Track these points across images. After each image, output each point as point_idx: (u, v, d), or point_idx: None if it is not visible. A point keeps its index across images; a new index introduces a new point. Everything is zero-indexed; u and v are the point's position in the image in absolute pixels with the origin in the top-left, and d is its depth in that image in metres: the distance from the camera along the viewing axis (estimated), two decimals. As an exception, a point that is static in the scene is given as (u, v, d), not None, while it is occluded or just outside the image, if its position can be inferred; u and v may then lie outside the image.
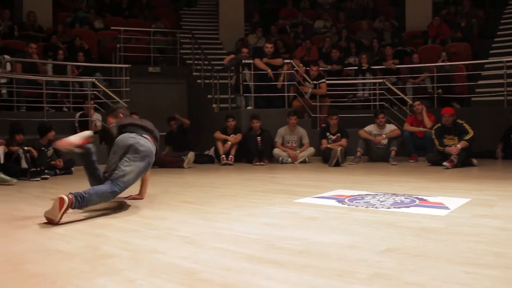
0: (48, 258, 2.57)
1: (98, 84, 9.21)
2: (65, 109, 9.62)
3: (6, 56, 8.71)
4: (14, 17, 11.94)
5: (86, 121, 8.75)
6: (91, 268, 2.36)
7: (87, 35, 11.81)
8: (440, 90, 9.73)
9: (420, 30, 12.87)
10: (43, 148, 7.05)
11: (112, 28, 12.01)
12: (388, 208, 3.86)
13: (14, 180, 6.09)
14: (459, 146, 7.19)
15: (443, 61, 10.07)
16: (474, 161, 7.37)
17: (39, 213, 3.98)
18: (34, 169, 6.58)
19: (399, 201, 4.18)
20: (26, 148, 6.73)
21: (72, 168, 7.39)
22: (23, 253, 2.68)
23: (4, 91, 8.56)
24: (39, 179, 6.49)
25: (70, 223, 3.50)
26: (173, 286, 2.08)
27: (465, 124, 7.43)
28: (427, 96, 9.73)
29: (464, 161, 7.19)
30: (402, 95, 9.40)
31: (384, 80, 9.74)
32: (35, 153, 6.81)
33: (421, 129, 8.36)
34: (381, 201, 4.18)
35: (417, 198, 4.30)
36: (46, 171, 6.74)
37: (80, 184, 6.04)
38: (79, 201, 3.54)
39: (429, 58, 10.70)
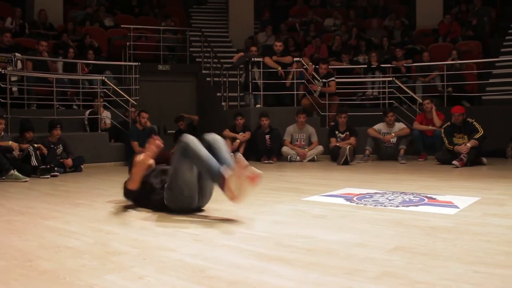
0: (58, 255, 2.59)
1: (108, 82, 9.24)
2: (75, 107, 9.67)
3: (17, 54, 8.76)
4: (26, 15, 12.00)
5: (95, 119, 8.79)
6: (101, 265, 2.37)
7: (97, 33, 11.85)
8: (450, 89, 9.66)
9: (430, 28, 12.79)
10: (52, 146, 7.10)
11: (122, 26, 12.06)
12: (397, 206, 3.85)
13: (27, 178, 6.14)
14: (469, 145, 7.15)
15: (453, 60, 10.00)
16: (484, 160, 7.33)
17: (49, 210, 4.03)
18: (44, 166, 6.61)
19: (408, 199, 4.17)
20: (36, 145, 6.77)
21: (82, 166, 7.43)
22: (34, 250, 2.70)
23: (15, 89, 8.60)
24: (49, 176, 6.51)
25: (80, 220, 3.53)
26: (182, 283, 2.09)
27: (475, 123, 7.40)
28: (437, 95, 9.67)
29: (473, 160, 7.16)
30: (412, 94, 9.35)
31: (394, 78, 9.70)
32: (44, 150, 6.86)
33: (430, 127, 8.31)
34: (390, 200, 4.17)
35: (426, 196, 4.29)
36: (55, 168, 6.77)
37: (90, 181, 6.10)
38: None
39: (440, 56, 10.63)
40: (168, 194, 3.59)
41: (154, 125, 8.75)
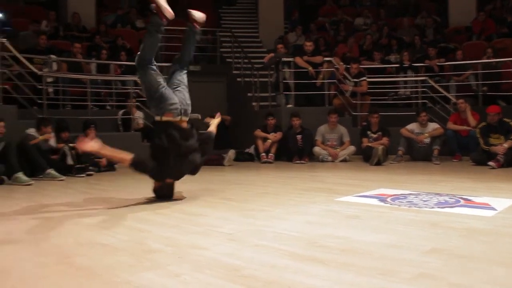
0: (94, 252, 2.63)
1: (140, 82, 9.36)
2: (108, 107, 9.83)
3: (52, 56, 8.97)
4: (60, 18, 12.26)
5: (128, 119, 8.92)
6: (137, 262, 2.41)
7: (129, 35, 12.01)
8: (485, 88, 9.47)
9: (463, 25, 12.56)
10: (87, 145, 7.21)
11: (153, 27, 12.18)
12: (432, 208, 3.79)
13: (63, 177, 6.28)
14: (506, 145, 6.99)
15: (488, 58, 9.79)
16: (522, 161, 7.15)
17: (84, 208, 4.10)
18: (79, 165, 6.74)
19: (443, 201, 4.10)
20: (71, 145, 6.91)
21: (115, 165, 7.54)
22: (70, 247, 2.76)
23: (50, 89, 8.81)
24: (84, 175, 6.64)
25: (114, 218, 3.58)
26: (218, 282, 2.10)
27: (511, 123, 7.23)
28: (471, 94, 9.49)
29: (510, 161, 6.99)
30: (445, 93, 9.20)
31: (427, 77, 9.55)
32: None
33: (465, 127, 8.15)
34: (425, 201, 4.10)
35: (462, 198, 4.20)
36: (90, 167, 6.89)
37: (124, 180, 6.18)
38: None
39: (474, 54, 10.42)
40: (154, 108, 4.54)
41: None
